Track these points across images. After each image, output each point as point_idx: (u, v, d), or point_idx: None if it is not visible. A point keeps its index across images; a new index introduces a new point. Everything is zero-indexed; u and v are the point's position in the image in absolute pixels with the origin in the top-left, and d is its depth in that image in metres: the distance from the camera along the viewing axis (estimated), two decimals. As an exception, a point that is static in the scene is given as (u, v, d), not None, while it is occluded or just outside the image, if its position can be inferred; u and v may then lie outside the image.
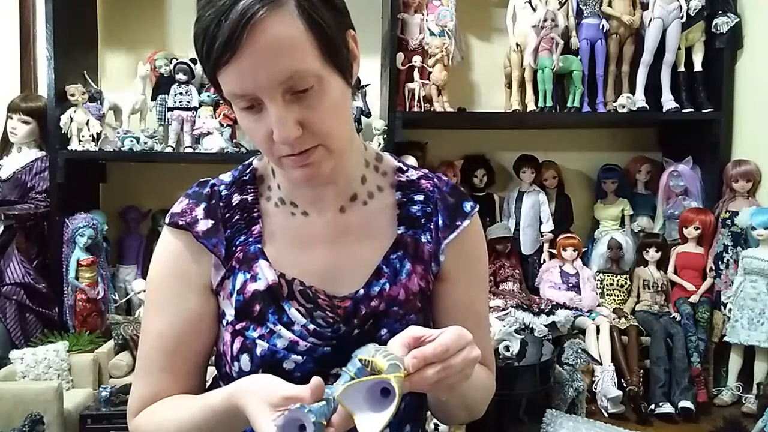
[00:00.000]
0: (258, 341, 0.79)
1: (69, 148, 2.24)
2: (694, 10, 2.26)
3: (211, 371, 0.90)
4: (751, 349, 2.02)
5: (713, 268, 2.23)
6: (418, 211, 0.86)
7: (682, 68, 2.36)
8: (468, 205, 0.88)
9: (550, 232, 2.48)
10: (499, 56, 2.55)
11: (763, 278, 2.01)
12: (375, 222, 0.85)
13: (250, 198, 0.84)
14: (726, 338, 2.07)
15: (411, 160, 2.33)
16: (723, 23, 2.24)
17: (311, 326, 0.79)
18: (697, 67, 2.34)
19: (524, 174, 2.52)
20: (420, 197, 0.87)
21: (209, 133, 2.28)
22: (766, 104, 2.18)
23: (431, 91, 2.35)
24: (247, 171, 0.87)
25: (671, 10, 2.26)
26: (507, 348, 1.82)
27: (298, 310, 0.79)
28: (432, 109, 2.35)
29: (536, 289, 2.42)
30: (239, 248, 0.82)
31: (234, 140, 2.34)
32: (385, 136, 2.31)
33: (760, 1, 2.24)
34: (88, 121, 2.24)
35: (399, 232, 0.85)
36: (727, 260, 2.20)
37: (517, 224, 2.49)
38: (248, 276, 0.80)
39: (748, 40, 2.28)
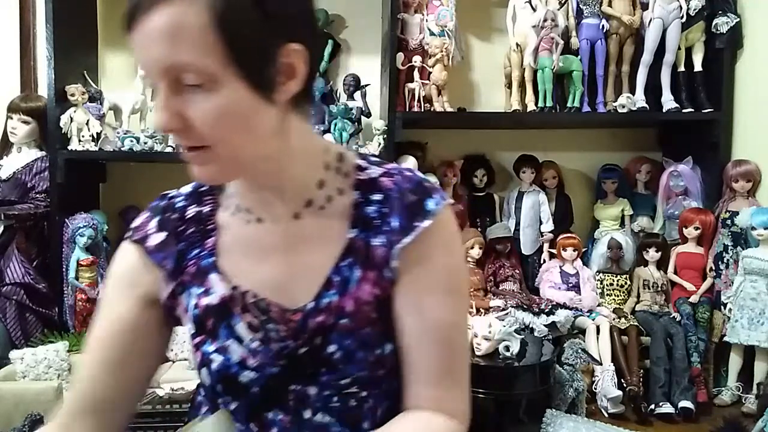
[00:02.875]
0: (213, 356, 0.77)
1: (69, 148, 2.24)
2: (694, 10, 2.27)
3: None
4: (751, 349, 2.02)
5: (713, 268, 2.23)
6: (373, 211, 0.77)
7: (682, 68, 2.36)
8: (431, 203, 0.77)
9: (550, 232, 2.48)
10: (499, 56, 2.55)
11: (763, 278, 2.01)
12: (329, 227, 0.78)
13: (206, 209, 0.82)
14: (726, 338, 2.07)
15: (411, 160, 2.34)
16: (723, 23, 2.24)
17: (255, 345, 0.76)
18: (697, 67, 2.34)
19: (524, 174, 2.52)
20: (378, 196, 0.78)
21: (209, 133, 2.28)
22: (766, 104, 2.18)
23: (431, 91, 2.35)
24: None
25: (671, 10, 2.26)
26: (507, 348, 1.82)
27: (250, 323, 0.76)
28: (432, 109, 2.35)
29: (536, 289, 2.42)
30: (192, 262, 0.79)
31: (234, 140, 2.34)
32: (385, 136, 2.31)
33: (760, 1, 2.24)
34: (88, 121, 2.24)
35: (350, 235, 0.77)
36: (727, 260, 2.20)
37: (517, 224, 2.49)
38: (201, 290, 0.78)
39: (748, 40, 2.28)
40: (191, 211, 0.82)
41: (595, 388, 2.02)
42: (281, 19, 0.67)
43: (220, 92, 0.65)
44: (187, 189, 0.84)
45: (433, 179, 2.40)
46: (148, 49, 0.64)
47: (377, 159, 0.83)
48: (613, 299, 2.33)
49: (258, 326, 0.76)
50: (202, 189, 0.83)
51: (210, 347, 0.77)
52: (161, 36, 0.63)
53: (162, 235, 0.80)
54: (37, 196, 2.28)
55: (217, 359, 0.76)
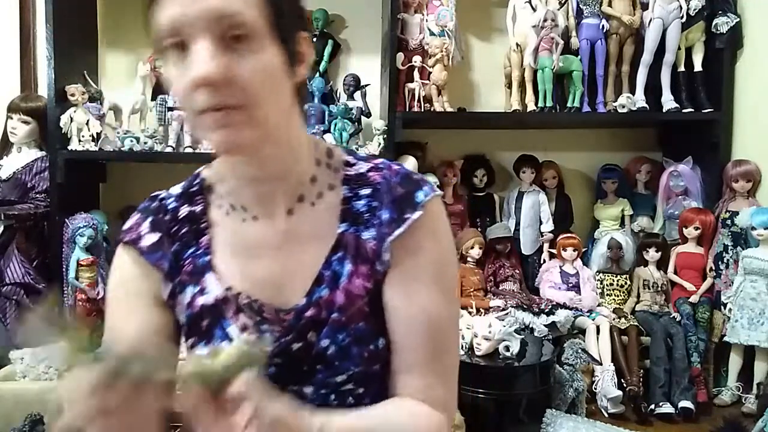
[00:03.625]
0: None
1: (69, 148, 2.24)
2: (694, 10, 2.27)
3: None
4: (751, 349, 2.02)
5: (713, 268, 2.23)
6: (363, 206, 0.78)
7: (682, 68, 2.36)
8: (421, 194, 0.77)
9: (550, 232, 2.48)
10: (499, 56, 2.55)
11: (763, 278, 2.01)
12: (320, 224, 0.78)
13: (198, 209, 0.81)
14: (726, 338, 2.07)
15: (411, 160, 2.34)
16: (723, 23, 2.24)
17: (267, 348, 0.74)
18: (697, 67, 2.34)
19: (524, 174, 2.51)
20: (367, 191, 0.79)
21: (209, 133, 2.28)
22: (766, 104, 2.18)
23: (431, 91, 2.35)
24: (195, 182, 0.84)
25: (671, 10, 2.26)
26: (507, 348, 1.82)
27: (244, 324, 0.76)
28: (432, 109, 2.35)
29: (536, 289, 2.42)
30: (188, 261, 0.79)
31: (234, 140, 2.34)
32: (385, 136, 2.31)
33: (760, 1, 2.24)
34: (88, 121, 2.24)
35: (339, 230, 0.78)
36: (727, 260, 2.20)
37: (517, 224, 2.49)
38: (197, 289, 0.78)
39: (748, 40, 2.28)
40: (183, 210, 0.82)
41: (595, 388, 2.02)
42: (301, 9, 0.74)
43: (264, 52, 0.67)
44: (176, 190, 0.84)
45: (433, 179, 2.40)
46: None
47: (365, 155, 0.85)
48: (613, 299, 2.33)
49: (252, 327, 0.76)
50: (193, 189, 0.83)
51: (203, 350, 0.76)
52: None
53: (155, 236, 0.80)
54: (37, 196, 2.28)
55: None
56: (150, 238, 0.80)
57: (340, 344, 0.74)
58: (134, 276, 0.80)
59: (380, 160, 0.82)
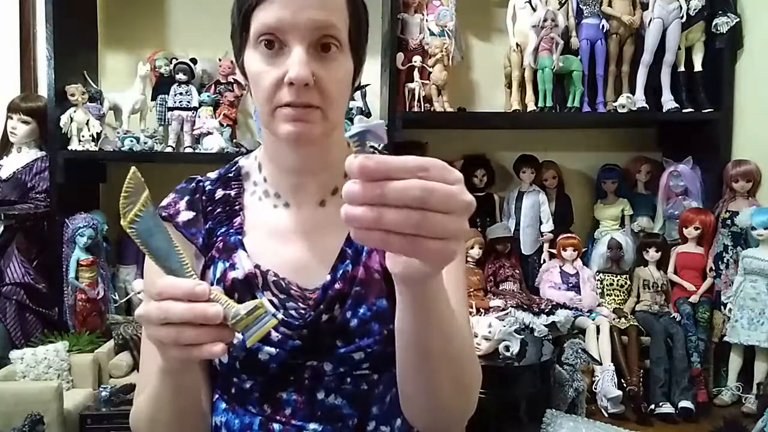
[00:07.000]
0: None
1: (69, 148, 2.24)
2: (694, 10, 2.26)
3: None
4: (751, 349, 2.02)
5: (713, 268, 2.23)
6: None
7: (682, 68, 2.35)
8: None
9: (550, 232, 2.48)
10: (499, 56, 2.55)
11: (763, 278, 2.00)
12: None
13: (233, 193, 0.88)
14: (726, 338, 2.07)
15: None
16: (723, 23, 2.24)
17: (280, 316, 0.80)
18: (697, 67, 2.34)
19: (524, 174, 2.51)
20: None
21: (209, 133, 2.28)
22: (766, 104, 2.18)
23: (431, 91, 2.35)
24: (233, 168, 0.92)
25: (671, 10, 2.26)
26: (507, 348, 1.83)
27: (271, 301, 0.81)
28: (432, 109, 2.35)
29: (536, 289, 2.42)
30: (220, 238, 0.85)
31: (234, 140, 2.34)
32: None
33: (760, 1, 2.24)
34: (88, 121, 2.24)
35: None
36: (727, 260, 2.20)
37: (517, 224, 2.49)
38: (228, 264, 0.83)
39: (748, 40, 2.28)
40: (219, 193, 0.88)
41: (595, 388, 2.02)
42: (368, 23, 0.83)
43: (343, 61, 0.78)
44: (213, 175, 0.92)
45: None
46: (308, 8, 0.73)
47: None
48: (613, 299, 2.33)
49: (278, 305, 0.81)
50: (229, 175, 0.90)
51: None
52: (323, 2, 0.75)
53: (191, 214, 0.86)
54: (37, 196, 2.28)
55: (237, 336, 0.78)
56: (186, 215, 0.86)
57: (362, 318, 0.80)
58: None
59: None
